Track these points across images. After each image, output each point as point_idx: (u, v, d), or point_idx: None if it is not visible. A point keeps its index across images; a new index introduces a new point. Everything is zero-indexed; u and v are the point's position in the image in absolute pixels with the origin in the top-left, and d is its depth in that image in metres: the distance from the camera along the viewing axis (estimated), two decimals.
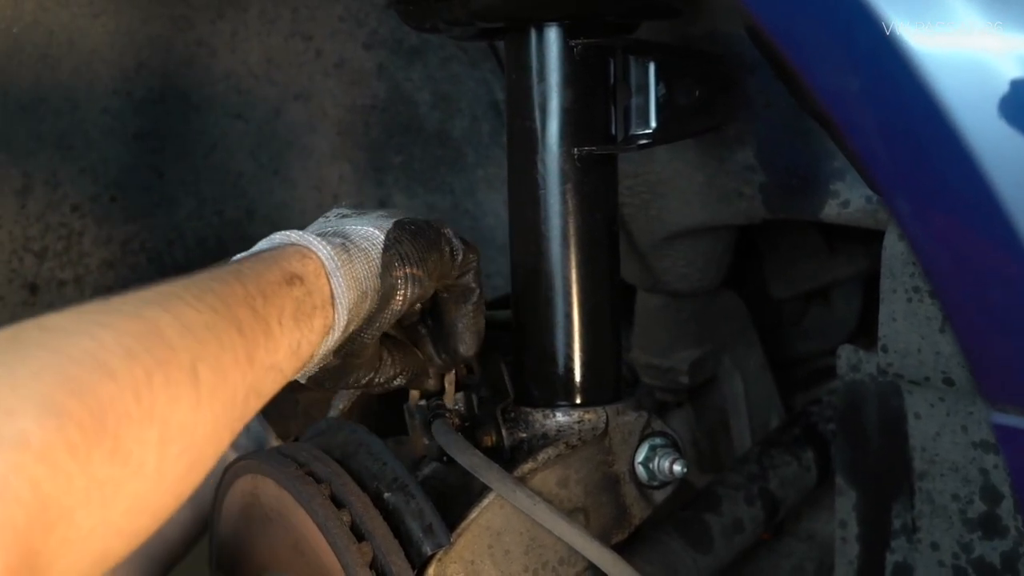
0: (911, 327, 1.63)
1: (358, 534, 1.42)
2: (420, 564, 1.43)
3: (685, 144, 1.81)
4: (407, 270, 1.42)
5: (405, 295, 1.42)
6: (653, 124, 1.54)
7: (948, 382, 1.60)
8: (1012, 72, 0.96)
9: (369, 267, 1.39)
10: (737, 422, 2.23)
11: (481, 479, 1.48)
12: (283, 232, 1.37)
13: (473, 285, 1.53)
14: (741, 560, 2.08)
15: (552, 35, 1.54)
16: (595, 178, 1.57)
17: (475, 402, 1.60)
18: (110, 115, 2.08)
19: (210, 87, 2.14)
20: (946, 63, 0.96)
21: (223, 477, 1.57)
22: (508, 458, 1.57)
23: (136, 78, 2.08)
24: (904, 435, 1.69)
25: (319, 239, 1.35)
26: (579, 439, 1.55)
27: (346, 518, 1.43)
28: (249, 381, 1.17)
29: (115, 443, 0.98)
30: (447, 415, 1.58)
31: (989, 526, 1.64)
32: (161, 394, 1.04)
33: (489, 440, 1.57)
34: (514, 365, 1.62)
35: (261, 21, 2.11)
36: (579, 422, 1.57)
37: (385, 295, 1.41)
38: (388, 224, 1.43)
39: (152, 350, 1.05)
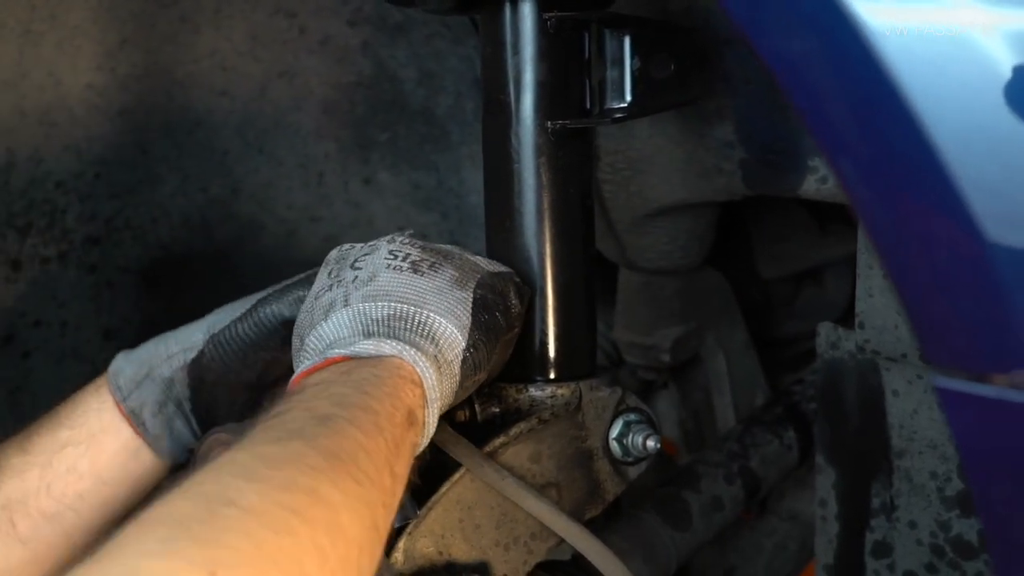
0: (888, 303, 1.62)
1: None
2: (388, 536, 1.43)
3: (665, 120, 1.80)
4: (477, 377, 1.42)
5: (467, 391, 1.45)
6: (628, 98, 1.53)
7: (925, 359, 1.60)
8: (956, 33, 0.96)
9: (453, 383, 1.38)
10: (720, 401, 2.22)
11: (450, 454, 1.47)
12: (397, 335, 1.33)
13: (516, 325, 1.51)
14: (723, 539, 2.08)
15: (526, 8, 1.53)
16: (569, 152, 1.56)
17: None
18: (94, 91, 2.08)
19: (194, 64, 2.13)
20: (888, 23, 0.95)
21: (199, 447, 1.56)
22: (481, 433, 1.56)
23: (119, 54, 2.07)
24: (882, 413, 1.69)
25: (427, 364, 1.32)
26: (552, 414, 1.55)
27: None
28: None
29: None
30: None
31: (967, 504, 1.64)
32: None
33: (463, 415, 1.57)
34: None
35: None
36: (552, 397, 1.56)
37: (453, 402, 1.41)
38: (467, 314, 1.40)
39: (336, 544, 1.02)
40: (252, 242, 2.28)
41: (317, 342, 1.37)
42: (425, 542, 1.46)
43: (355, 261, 1.45)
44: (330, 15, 2.13)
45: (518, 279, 1.52)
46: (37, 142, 2.05)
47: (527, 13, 1.53)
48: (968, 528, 1.64)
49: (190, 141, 2.19)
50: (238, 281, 2.32)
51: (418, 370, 1.31)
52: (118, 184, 2.16)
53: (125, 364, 1.59)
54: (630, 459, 1.60)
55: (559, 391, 1.57)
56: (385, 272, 1.41)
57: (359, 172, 2.23)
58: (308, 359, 1.35)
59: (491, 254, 1.60)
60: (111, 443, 1.57)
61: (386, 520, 1.14)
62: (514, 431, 1.52)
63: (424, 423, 1.31)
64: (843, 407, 1.74)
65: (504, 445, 1.51)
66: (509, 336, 1.50)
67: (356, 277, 1.42)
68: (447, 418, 1.54)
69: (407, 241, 1.47)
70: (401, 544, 1.44)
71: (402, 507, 1.43)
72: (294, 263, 2.24)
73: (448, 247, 1.49)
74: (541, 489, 1.52)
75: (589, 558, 1.49)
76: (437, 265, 1.43)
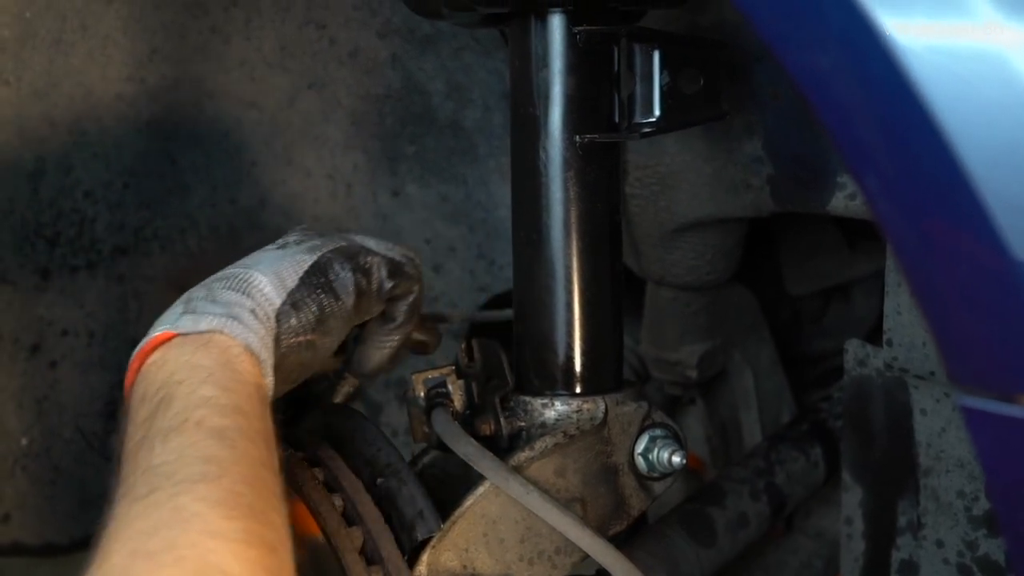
0: (916, 321, 1.62)
1: (349, 519, 1.42)
2: (411, 550, 1.43)
3: (694, 135, 1.80)
4: (304, 338, 1.42)
5: (299, 360, 1.44)
6: (657, 112, 1.53)
7: (950, 378, 1.59)
8: (986, 51, 0.95)
9: (273, 335, 1.39)
10: (747, 417, 2.22)
11: (475, 467, 1.47)
12: (219, 317, 1.36)
13: (397, 315, 1.55)
14: (749, 556, 2.07)
15: (555, 22, 1.53)
16: (597, 166, 1.56)
17: (475, 390, 1.60)
18: (124, 101, 2.08)
19: (224, 74, 2.14)
20: (917, 40, 0.95)
21: None
22: (506, 447, 1.56)
23: (149, 64, 2.08)
24: (910, 431, 1.68)
25: (246, 329, 1.35)
26: (577, 429, 1.54)
27: (338, 503, 1.43)
28: None
29: None
30: (447, 403, 1.57)
31: (994, 524, 1.63)
32: None
33: (488, 429, 1.57)
34: (514, 353, 1.62)
35: (275, 9, 2.11)
36: (578, 411, 1.56)
37: (279, 362, 1.42)
38: (295, 274, 1.43)
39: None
40: None
41: (162, 316, 1.41)
42: (449, 556, 1.46)
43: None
44: (360, 27, 2.13)
45: (404, 260, 1.53)
46: (67, 151, 2.06)
47: (556, 27, 1.53)
48: (995, 548, 1.63)
49: (219, 151, 2.19)
50: None
51: (240, 339, 1.34)
52: (147, 194, 2.16)
53: None
54: (656, 475, 1.60)
55: (585, 406, 1.56)
56: (254, 253, 1.48)
57: (387, 184, 2.23)
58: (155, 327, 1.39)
59: (517, 267, 1.60)
60: None
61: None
62: (539, 445, 1.52)
63: (268, 387, 1.35)
64: (870, 425, 1.73)
65: (529, 459, 1.51)
66: (392, 326, 1.55)
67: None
68: (472, 431, 1.54)
69: (298, 230, 1.53)
70: (425, 558, 1.44)
71: (425, 520, 1.43)
72: None
73: (345, 234, 1.53)
74: (566, 504, 1.52)
75: (614, 574, 1.48)
76: (302, 241, 1.48)
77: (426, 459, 1.64)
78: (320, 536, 1.42)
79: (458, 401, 1.58)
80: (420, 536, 1.43)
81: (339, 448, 1.50)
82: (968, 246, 0.94)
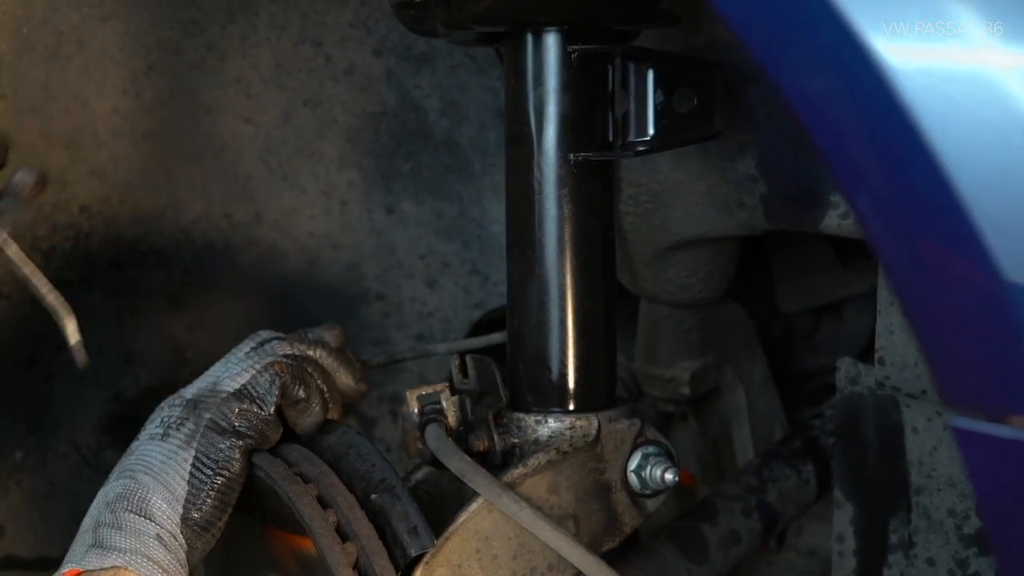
0: (908, 340, 1.62)
1: (343, 535, 1.43)
2: (405, 565, 1.43)
3: (687, 154, 1.81)
4: (209, 534, 1.47)
5: (209, 541, 1.48)
6: (651, 131, 1.54)
7: (942, 399, 1.59)
8: (978, 74, 0.96)
9: (181, 552, 1.45)
10: (739, 434, 2.22)
11: (469, 483, 1.48)
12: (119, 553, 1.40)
13: (298, 397, 1.53)
14: (740, 573, 2.07)
15: (550, 41, 1.54)
16: (592, 184, 1.57)
17: (468, 407, 1.60)
18: (119, 115, 2.09)
19: (220, 90, 2.14)
20: (910, 63, 0.96)
21: None
22: (500, 463, 1.57)
23: (145, 79, 2.09)
24: (901, 449, 1.68)
25: (153, 565, 1.40)
26: (570, 446, 1.55)
27: (332, 518, 1.43)
28: None
29: None
30: (440, 419, 1.57)
31: (985, 542, 1.63)
32: None
33: (481, 445, 1.57)
34: (508, 370, 1.62)
35: (271, 26, 2.12)
36: (571, 428, 1.57)
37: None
38: (183, 482, 1.45)
39: None
40: (274, 268, 2.28)
41: (75, 541, 1.45)
42: (442, 572, 1.46)
43: (145, 426, 1.54)
44: (355, 44, 2.14)
45: (266, 368, 1.53)
46: (62, 166, 2.07)
47: (551, 45, 1.54)
48: (986, 567, 1.64)
49: (214, 167, 2.20)
50: (260, 307, 2.33)
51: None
52: (142, 209, 2.17)
53: None
54: (648, 491, 1.61)
55: (578, 423, 1.57)
56: (143, 444, 1.50)
57: (382, 201, 2.24)
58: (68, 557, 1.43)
59: (511, 284, 1.61)
60: None
61: None
62: (533, 462, 1.52)
63: None
64: (862, 442, 1.73)
65: (523, 476, 1.52)
66: (309, 397, 1.54)
67: (128, 450, 1.52)
68: (466, 448, 1.55)
69: (176, 404, 1.53)
70: (418, 573, 1.44)
71: (419, 536, 1.43)
72: (315, 290, 2.26)
73: (215, 386, 1.53)
74: (559, 520, 1.52)
75: None
76: (180, 425, 1.49)
77: (419, 475, 1.65)
78: (313, 551, 1.42)
79: (452, 417, 1.58)
80: (413, 552, 1.43)
81: (333, 464, 1.51)
82: (960, 267, 0.94)
